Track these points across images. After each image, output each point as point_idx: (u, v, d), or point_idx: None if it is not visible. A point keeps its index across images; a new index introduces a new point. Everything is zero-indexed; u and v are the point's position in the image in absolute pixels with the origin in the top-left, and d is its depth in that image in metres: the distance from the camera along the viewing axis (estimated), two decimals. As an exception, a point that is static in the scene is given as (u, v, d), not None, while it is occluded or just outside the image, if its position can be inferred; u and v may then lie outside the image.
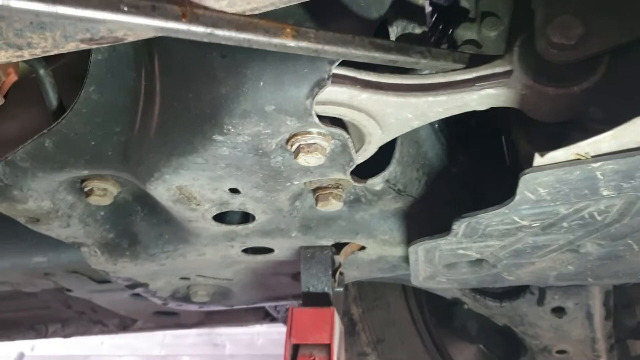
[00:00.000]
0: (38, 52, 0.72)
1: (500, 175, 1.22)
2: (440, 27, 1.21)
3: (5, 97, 1.04)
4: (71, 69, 1.03)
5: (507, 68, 0.90)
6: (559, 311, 1.53)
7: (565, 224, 0.99)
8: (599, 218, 0.96)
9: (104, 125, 0.98)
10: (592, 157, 0.82)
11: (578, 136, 0.89)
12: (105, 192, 1.12)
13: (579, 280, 1.22)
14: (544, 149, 0.86)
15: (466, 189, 1.22)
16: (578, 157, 0.83)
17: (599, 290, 1.50)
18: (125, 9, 0.61)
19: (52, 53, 0.72)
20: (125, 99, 0.96)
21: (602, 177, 0.85)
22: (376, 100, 0.90)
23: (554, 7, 0.85)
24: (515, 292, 1.56)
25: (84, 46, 0.72)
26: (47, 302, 2.05)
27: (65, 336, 2.28)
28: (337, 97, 0.89)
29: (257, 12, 0.71)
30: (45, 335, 2.24)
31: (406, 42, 0.94)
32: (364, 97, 0.90)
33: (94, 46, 0.73)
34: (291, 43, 0.72)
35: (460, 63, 0.92)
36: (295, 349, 1.12)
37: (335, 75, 0.86)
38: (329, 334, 1.11)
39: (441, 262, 1.16)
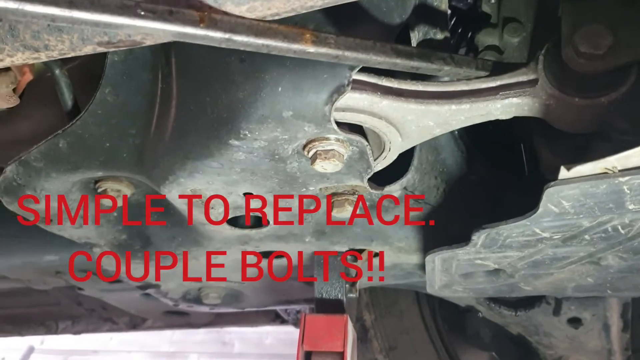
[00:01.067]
0: (55, 55, 0.71)
1: (519, 184, 1.20)
2: (460, 30, 1.19)
3: (20, 96, 1.03)
4: (87, 69, 1.02)
5: (532, 77, 0.87)
6: (575, 322, 1.51)
7: (587, 237, 0.97)
8: (622, 232, 0.94)
9: (119, 127, 0.96)
10: (620, 171, 0.80)
11: (602, 147, 0.87)
12: (118, 193, 1.11)
13: (597, 292, 1.20)
14: (567, 160, 0.84)
15: (484, 197, 1.20)
16: (605, 171, 0.80)
17: (617, 302, 1.48)
18: (142, 13, 0.60)
19: (69, 55, 0.72)
20: (141, 101, 0.94)
21: (629, 192, 0.83)
22: (397, 107, 0.88)
23: (583, 15, 0.83)
24: (530, 302, 1.53)
25: (101, 49, 0.71)
26: (58, 299, 2.06)
27: (75, 333, 2.29)
28: (357, 104, 0.87)
29: (277, 17, 0.69)
30: (55, 331, 2.25)
31: (428, 48, 0.92)
32: (385, 104, 0.88)
33: (112, 49, 0.72)
34: (311, 49, 0.70)
35: (483, 70, 0.90)
36: (308, 356, 1.11)
37: (355, 82, 0.84)
38: (342, 341, 1.10)
39: (458, 272, 1.15)
